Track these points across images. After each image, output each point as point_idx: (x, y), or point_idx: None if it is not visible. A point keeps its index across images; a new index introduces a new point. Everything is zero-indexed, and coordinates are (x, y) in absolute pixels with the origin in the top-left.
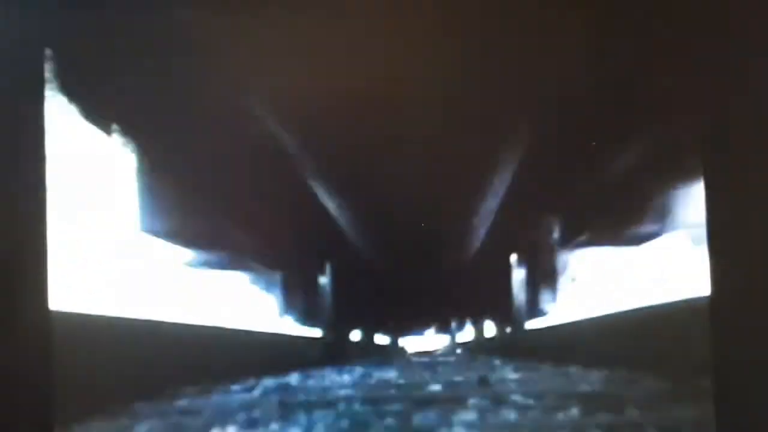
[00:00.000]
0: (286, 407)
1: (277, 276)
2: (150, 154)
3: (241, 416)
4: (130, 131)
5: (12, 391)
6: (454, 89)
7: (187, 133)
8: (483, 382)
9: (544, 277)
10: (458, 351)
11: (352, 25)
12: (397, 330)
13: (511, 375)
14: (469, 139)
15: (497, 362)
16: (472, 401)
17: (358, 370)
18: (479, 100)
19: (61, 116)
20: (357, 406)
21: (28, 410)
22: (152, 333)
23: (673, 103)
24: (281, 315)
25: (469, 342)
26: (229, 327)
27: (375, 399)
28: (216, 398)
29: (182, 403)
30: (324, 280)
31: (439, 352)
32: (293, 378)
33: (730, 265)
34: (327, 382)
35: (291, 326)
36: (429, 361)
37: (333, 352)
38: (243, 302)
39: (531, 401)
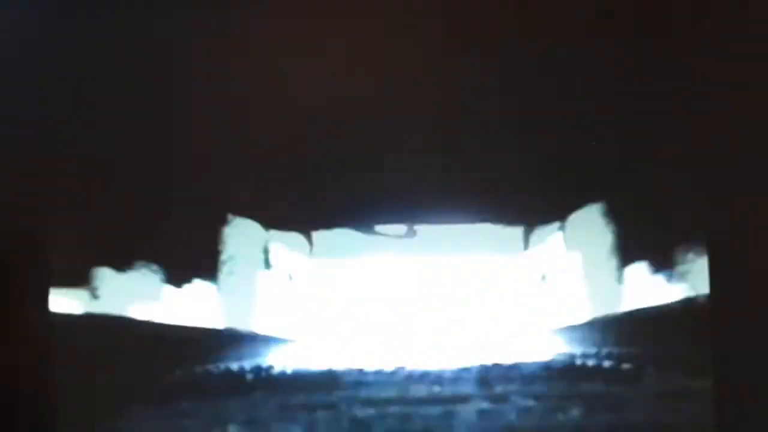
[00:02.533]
0: (285, 409)
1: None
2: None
3: (240, 417)
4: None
5: (12, 392)
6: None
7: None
8: (484, 381)
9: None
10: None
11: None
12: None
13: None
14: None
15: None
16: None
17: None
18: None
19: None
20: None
21: (28, 411)
22: (152, 333)
23: (678, 106)
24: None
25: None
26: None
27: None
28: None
29: (182, 405)
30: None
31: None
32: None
33: (730, 265)
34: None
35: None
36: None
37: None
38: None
39: (531, 401)
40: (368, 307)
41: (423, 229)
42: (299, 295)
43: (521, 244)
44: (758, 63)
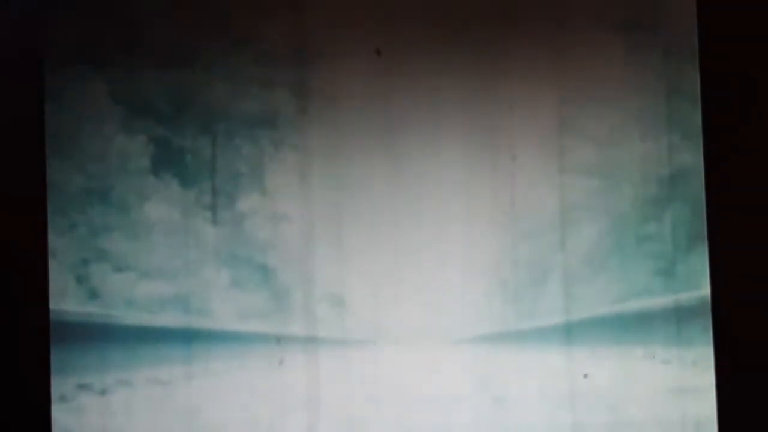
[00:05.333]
0: None
1: None
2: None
3: None
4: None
5: (11, 389)
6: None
7: None
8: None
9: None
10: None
11: None
12: None
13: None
14: None
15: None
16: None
17: None
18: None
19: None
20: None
21: (27, 406)
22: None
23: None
24: None
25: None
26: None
27: None
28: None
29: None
30: None
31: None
32: None
33: (730, 265)
34: None
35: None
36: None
37: None
38: None
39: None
40: None
41: None
42: None
43: None
44: (758, 64)
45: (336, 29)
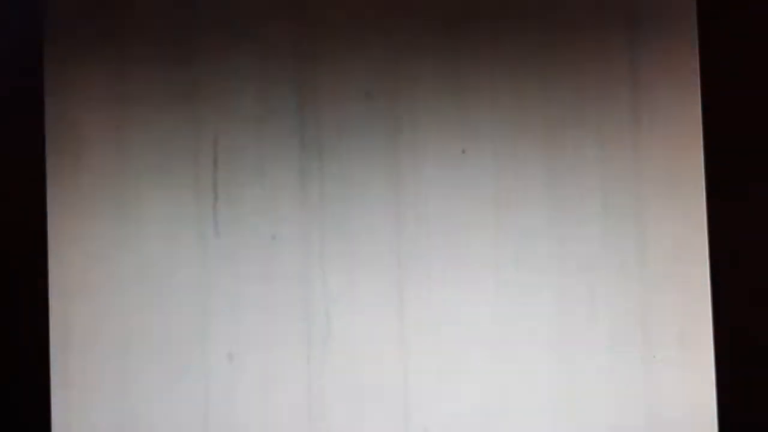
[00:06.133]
0: None
1: None
2: None
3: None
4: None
5: (11, 389)
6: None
7: None
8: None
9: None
10: None
11: None
12: None
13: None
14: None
15: None
16: None
17: None
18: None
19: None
20: None
21: (27, 406)
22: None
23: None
24: None
25: None
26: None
27: None
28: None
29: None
30: None
31: None
32: None
33: (730, 265)
34: None
35: None
36: None
37: None
38: None
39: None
40: None
41: None
42: None
43: None
44: (759, 64)
45: (338, 25)
